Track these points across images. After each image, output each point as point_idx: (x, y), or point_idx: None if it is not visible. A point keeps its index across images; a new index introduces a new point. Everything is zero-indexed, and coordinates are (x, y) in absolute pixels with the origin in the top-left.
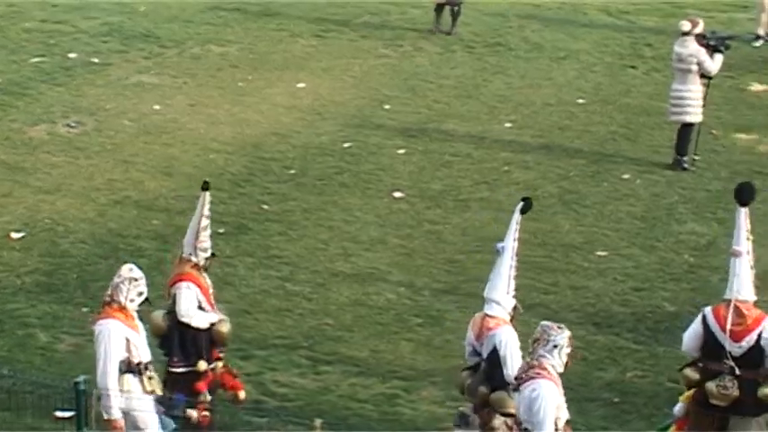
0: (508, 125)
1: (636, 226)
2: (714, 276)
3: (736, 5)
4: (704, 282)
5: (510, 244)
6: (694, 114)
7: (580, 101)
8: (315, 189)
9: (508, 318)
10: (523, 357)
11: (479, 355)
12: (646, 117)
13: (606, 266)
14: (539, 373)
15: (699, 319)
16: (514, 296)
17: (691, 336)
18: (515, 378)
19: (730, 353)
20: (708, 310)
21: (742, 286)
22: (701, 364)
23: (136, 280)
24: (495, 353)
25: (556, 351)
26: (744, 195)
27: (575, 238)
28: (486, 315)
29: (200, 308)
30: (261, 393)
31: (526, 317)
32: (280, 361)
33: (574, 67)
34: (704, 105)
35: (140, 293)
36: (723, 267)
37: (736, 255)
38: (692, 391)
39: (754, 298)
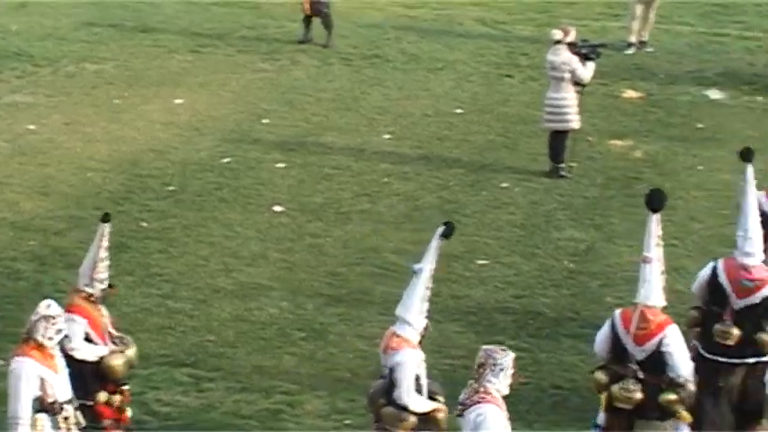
0: (387, 137)
1: (516, 234)
2: (593, 282)
3: (608, 14)
4: (584, 287)
5: (428, 266)
6: (570, 122)
7: (458, 111)
8: (194, 205)
9: (418, 338)
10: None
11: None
12: (523, 125)
13: (487, 275)
14: (483, 398)
15: (608, 321)
16: (426, 317)
17: (600, 338)
18: (459, 404)
19: (634, 356)
20: (617, 312)
21: (651, 292)
22: (609, 368)
23: (53, 318)
24: (393, 371)
25: (502, 374)
26: (654, 202)
27: (455, 248)
28: (395, 333)
29: (89, 340)
30: (144, 413)
31: None
32: (162, 379)
33: (451, 77)
34: (579, 113)
35: (59, 331)
36: (602, 273)
37: (647, 261)
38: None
39: (663, 304)
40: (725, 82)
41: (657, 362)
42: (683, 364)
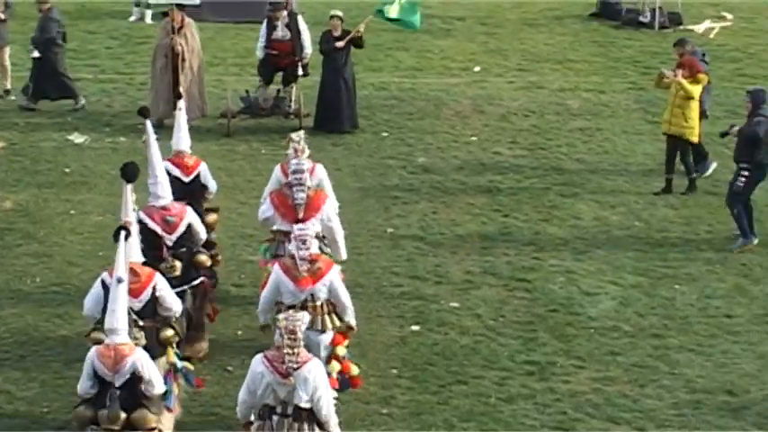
0: None
1: None
2: None
3: None
4: None
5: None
6: None
7: None
8: None
9: None
10: None
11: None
12: None
13: None
14: (308, 357)
15: (98, 283)
16: None
17: (93, 300)
18: (284, 371)
19: (131, 308)
20: (104, 273)
21: (132, 250)
22: (100, 326)
23: None
24: (133, 377)
25: None
26: (129, 174)
27: None
28: (116, 345)
29: None
30: None
31: None
32: None
33: None
34: None
35: None
36: None
37: (128, 225)
38: None
39: (143, 259)
40: (86, 125)
41: (150, 308)
42: (174, 302)
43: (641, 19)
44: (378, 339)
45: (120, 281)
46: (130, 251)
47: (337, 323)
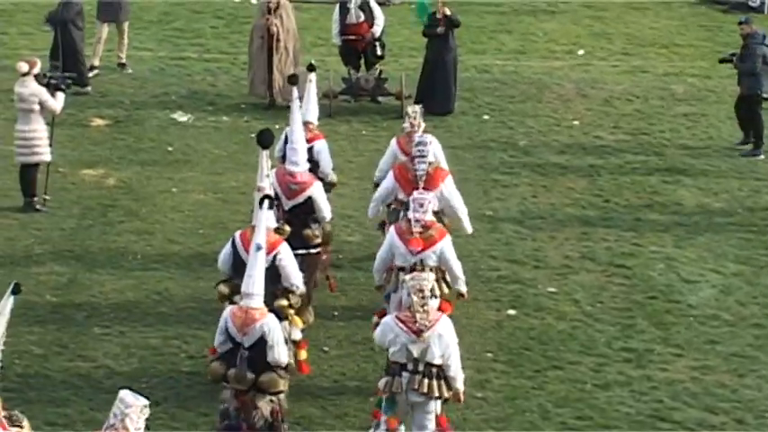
0: None
1: None
2: (79, 314)
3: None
4: (69, 320)
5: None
6: (41, 154)
7: None
8: None
9: None
10: None
11: (237, 344)
12: None
13: None
14: (437, 316)
15: (230, 242)
16: None
17: (224, 257)
18: (417, 329)
19: None
20: (237, 234)
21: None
22: (231, 281)
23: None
24: (261, 340)
25: None
26: (264, 140)
27: None
28: (249, 308)
29: None
30: None
31: None
32: None
33: None
34: (51, 144)
35: None
36: (86, 303)
37: (261, 190)
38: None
39: (276, 225)
40: (189, 104)
41: (273, 273)
42: (294, 274)
43: (750, 3)
44: (474, 323)
45: (259, 248)
46: (269, 218)
47: (445, 290)
